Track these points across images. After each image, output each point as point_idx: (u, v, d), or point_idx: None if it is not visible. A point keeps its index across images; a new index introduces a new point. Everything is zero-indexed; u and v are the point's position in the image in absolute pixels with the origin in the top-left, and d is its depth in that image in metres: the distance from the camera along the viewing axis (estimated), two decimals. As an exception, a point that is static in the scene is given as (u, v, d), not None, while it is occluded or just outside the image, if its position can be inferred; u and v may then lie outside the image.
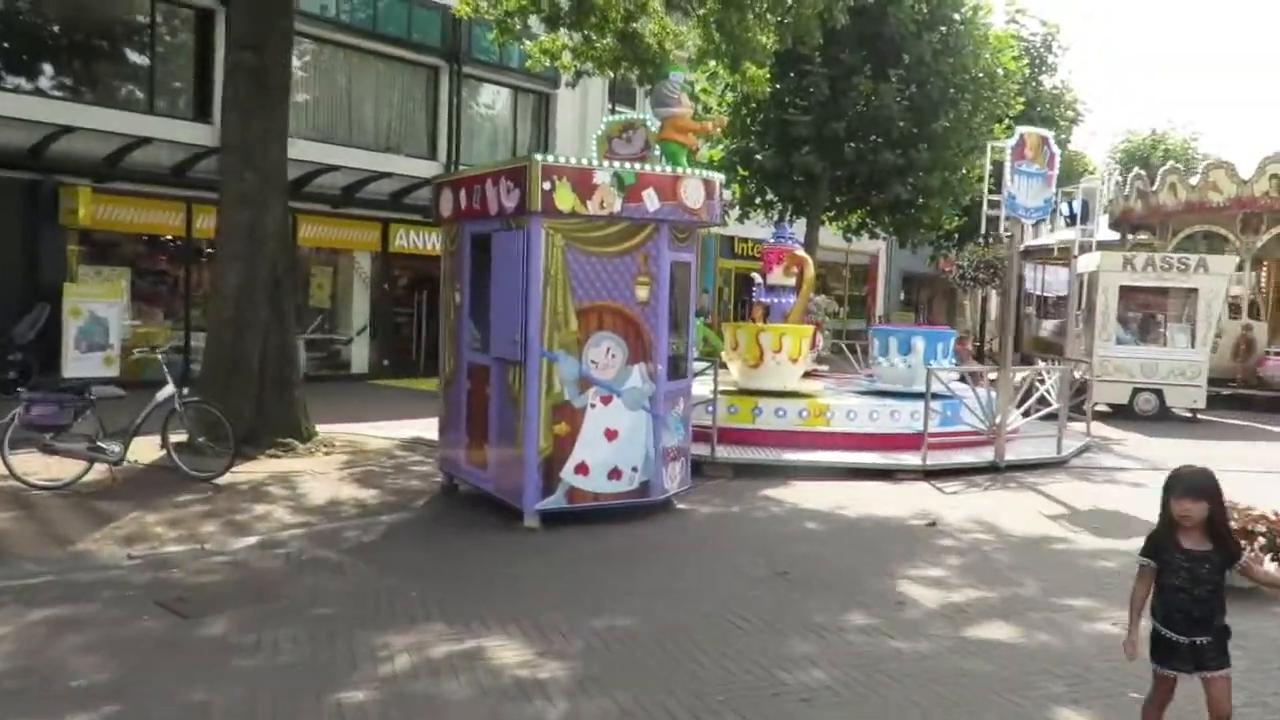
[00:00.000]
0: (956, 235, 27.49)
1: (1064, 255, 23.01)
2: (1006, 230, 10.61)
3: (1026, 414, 11.56)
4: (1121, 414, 15.96)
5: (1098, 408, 16.17)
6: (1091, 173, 22.83)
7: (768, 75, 15.52)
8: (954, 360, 12.60)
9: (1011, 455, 10.83)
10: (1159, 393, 16.07)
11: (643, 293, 7.84)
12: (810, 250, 19.04)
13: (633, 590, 6.01)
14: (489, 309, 8.07)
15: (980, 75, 17.37)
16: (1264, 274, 21.19)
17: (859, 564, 6.70)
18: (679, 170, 8.00)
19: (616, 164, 7.74)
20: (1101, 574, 6.57)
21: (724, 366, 12.21)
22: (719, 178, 8.50)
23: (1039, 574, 6.54)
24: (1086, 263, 16.59)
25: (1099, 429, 14.42)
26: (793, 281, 13.53)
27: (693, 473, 9.28)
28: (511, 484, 7.76)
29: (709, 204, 8.11)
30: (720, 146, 18.90)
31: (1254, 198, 18.51)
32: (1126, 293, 16.42)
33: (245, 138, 10.04)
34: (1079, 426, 13.47)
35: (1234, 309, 19.78)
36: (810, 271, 13.23)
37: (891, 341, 12.32)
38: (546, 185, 7.39)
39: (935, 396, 10.87)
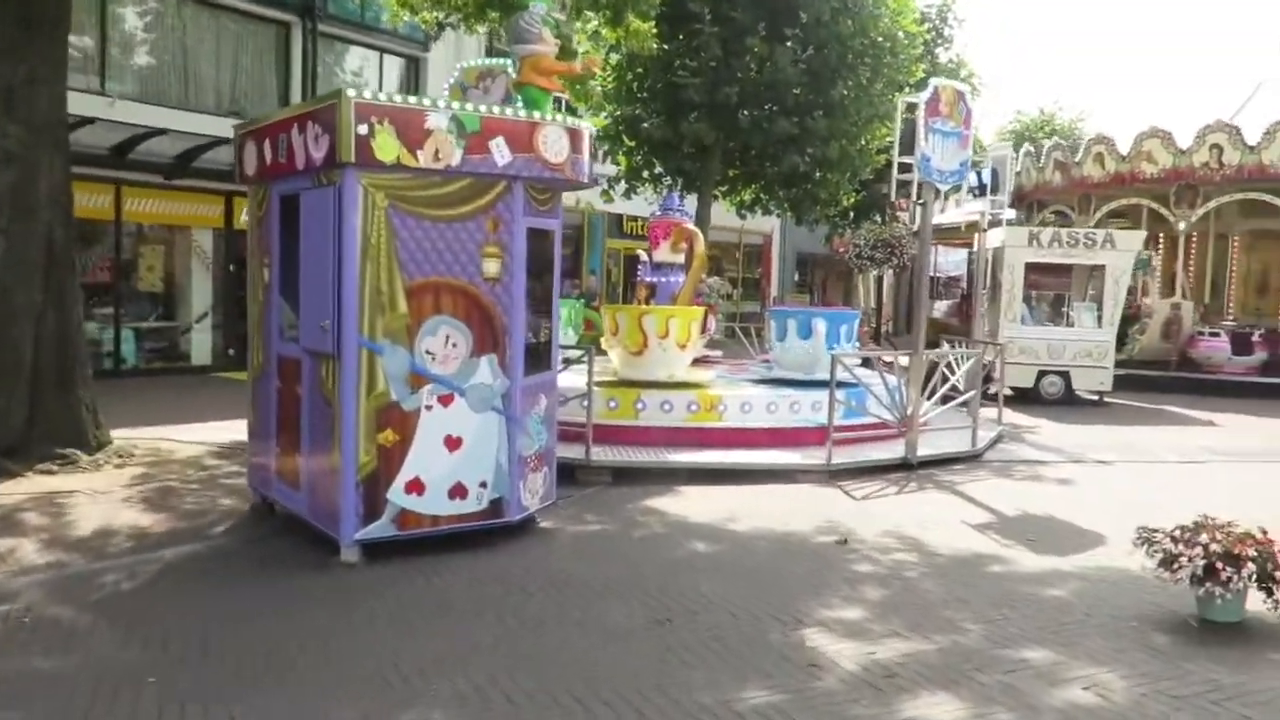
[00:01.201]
0: (852, 214, 26.66)
1: (965, 234, 22.30)
2: (919, 198, 9.40)
3: (945, 400, 10.43)
4: (1026, 398, 15.10)
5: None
6: (982, 149, 22.09)
7: (653, 32, 14.10)
8: (855, 344, 11.42)
9: (924, 449, 9.70)
10: (1065, 375, 15.28)
11: (492, 267, 6.33)
12: (702, 227, 17.73)
13: (469, 656, 4.52)
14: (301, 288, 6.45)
15: (880, 40, 16.29)
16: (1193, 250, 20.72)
17: (757, 603, 5.34)
18: (536, 116, 6.49)
19: (456, 106, 6.19)
20: (1051, 609, 5.34)
21: (604, 354, 10.80)
22: (589, 127, 7.02)
23: (978, 610, 5.28)
24: (991, 239, 15.68)
25: (1007, 415, 13.48)
26: (681, 258, 12.18)
27: (565, 479, 7.88)
28: (326, 507, 6.17)
29: (575, 159, 6.63)
30: (604, 114, 17.41)
31: (1192, 168, 17.87)
32: (1033, 270, 15.57)
33: (2, 81, 8.12)
34: (988, 413, 12.47)
35: (1170, 288, 19.29)
36: (700, 247, 11.87)
37: (790, 324, 11.05)
38: (363, 129, 5.79)
39: (840, 385, 9.66)
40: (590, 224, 24.90)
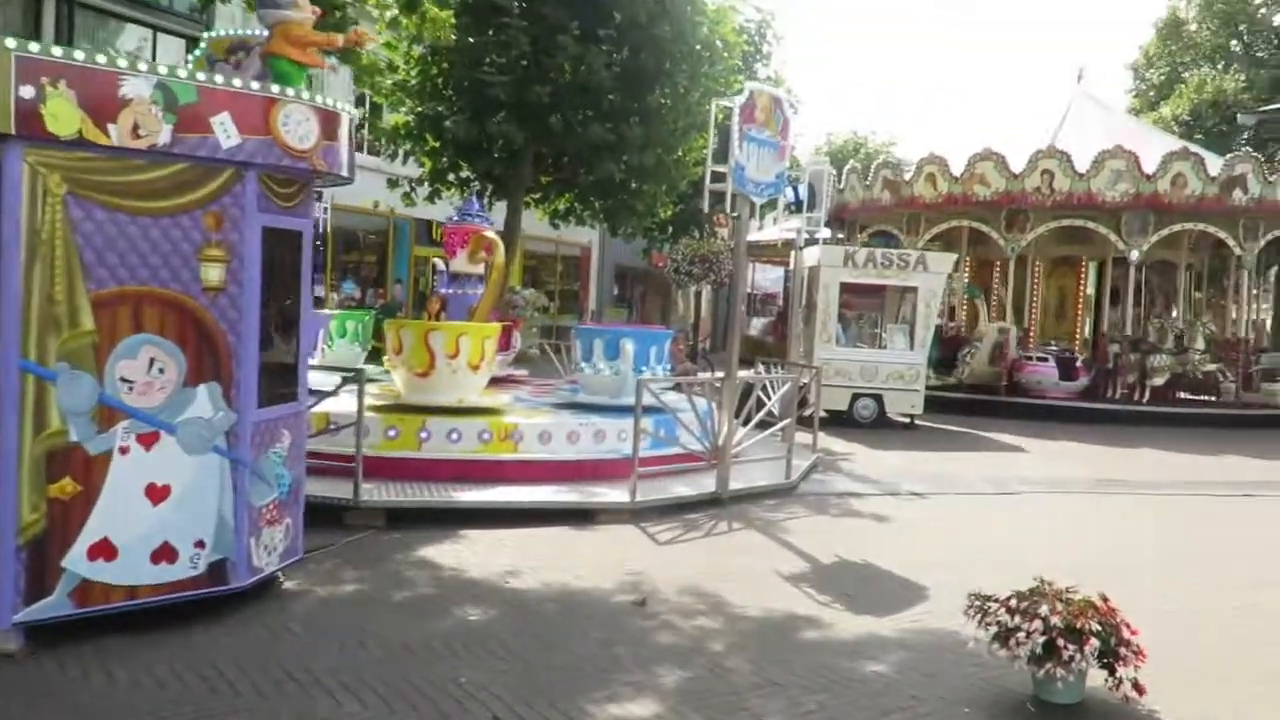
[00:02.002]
0: (671, 228, 26.16)
1: (782, 252, 22.11)
2: (734, 211, 8.67)
3: (762, 426, 9.73)
4: (840, 420, 14.79)
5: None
6: (798, 166, 21.96)
7: (453, 23, 12.99)
8: (668, 365, 10.63)
9: (736, 482, 8.96)
10: (878, 398, 15.06)
11: (214, 274, 5.10)
12: (512, 236, 16.68)
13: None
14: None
15: (698, 48, 15.70)
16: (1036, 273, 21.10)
17: (526, 699, 4.33)
18: (275, 90, 5.29)
19: (164, 70, 4.93)
20: (875, 692, 4.58)
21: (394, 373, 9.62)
22: (350, 111, 5.85)
23: (792, 698, 4.45)
24: (807, 257, 15.32)
25: (821, 439, 13.06)
26: (480, 269, 11.09)
27: (330, 523, 6.76)
28: (-21, 579, 4.76)
29: (327, 146, 5.47)
30: (404, 110, 16.09)
31: (1024, 193, 18.03)
32: (848, 291, 15.30)
33: None
34: (804, 438, 11.96)
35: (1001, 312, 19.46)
36: (500, 257, 10.80)
37: (597, 344, 10.14)
38: (27, 92, 4.46)
39: (647, 411, 8.82)
40: (396, 229, 23.40)
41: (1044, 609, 4.28)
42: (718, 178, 8.59)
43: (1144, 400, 17.90)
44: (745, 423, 9.62)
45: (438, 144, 15.83)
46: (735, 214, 8.68)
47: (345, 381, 7.66)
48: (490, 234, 11.04)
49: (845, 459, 11.91)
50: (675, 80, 15.39)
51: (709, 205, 8.55)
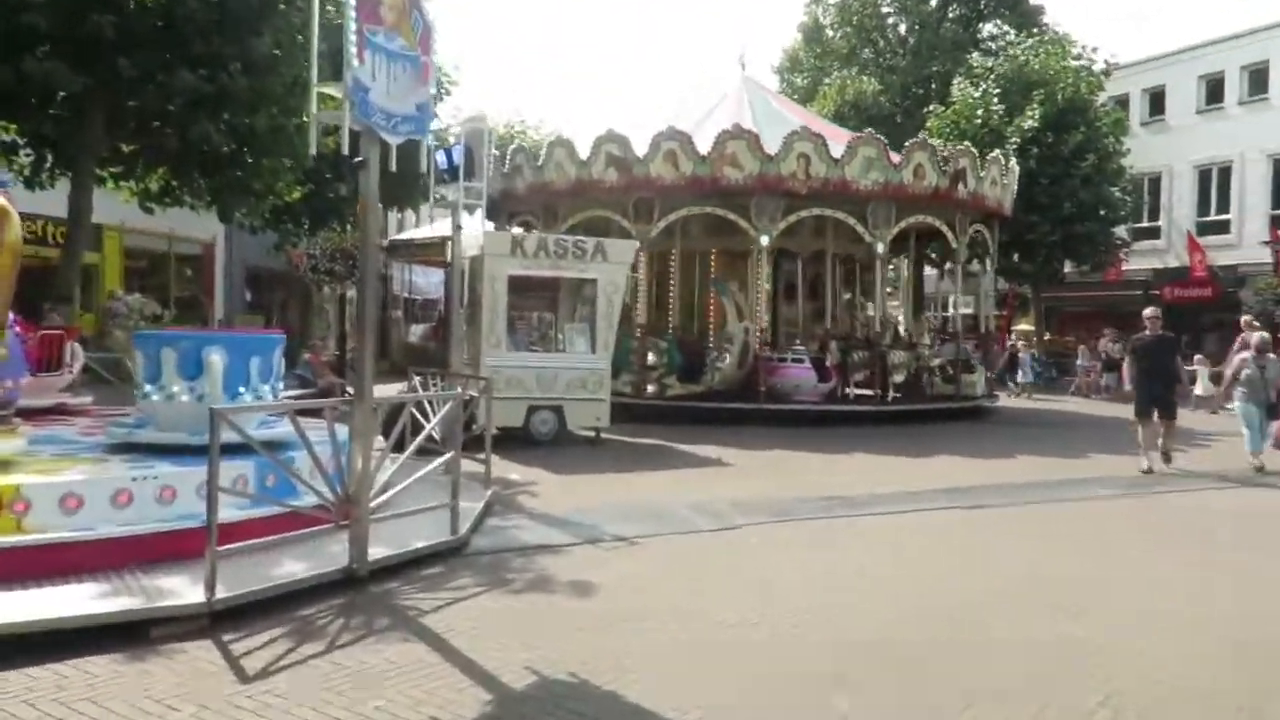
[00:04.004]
0: (307, 220, 22.52)
1: (444, 251, 19.35)
2: (354, 155, 5.91)
3: (422, 454, 7.00)
4: (514, 439, 12.37)
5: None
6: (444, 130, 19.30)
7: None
8: (279, 384, 7.60)
9: (381, 547, 6.23)
10: (558, 410, 12.78)
11: None
12: (80, 221, 12.71)
13: None
14: None
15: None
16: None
17: None
18: None
19: None
20: None
21: None
22: None
23: None
24: (467, 245, 12.74)
25: (496, 465, 10.56)
26: (-13, 252, 7.44)
27: None
28: None
29: None
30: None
31: (649, 178, 16.26)
32: (518, 285, 12.90)
33: None
34: (474, 467, 9.39)
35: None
36: (15, 232, 7.25)
37: (167, 356, 6.93)
38: None
39: (238, 454, 5.89)
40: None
41: None
42: (328, 103, 5.83)
43: (888, 399, 17.13)
44: (397, 451, 6.92)
45: (-47, 91, 11.56)
46: (357, 160, 5.92)
47: None
48: (-2, 200, 7.42)
49: (527, 491, 9.46)
50: (291, 21, 12.22)
51: (314, 144, 5.73)
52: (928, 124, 28.41)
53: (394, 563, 6.27)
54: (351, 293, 29.37)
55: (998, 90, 27.63)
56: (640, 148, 16.34)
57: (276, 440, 7.00)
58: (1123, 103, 32.95)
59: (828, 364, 17.02)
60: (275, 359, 7.44)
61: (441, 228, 20.46)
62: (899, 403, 17.35)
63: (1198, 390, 21.91)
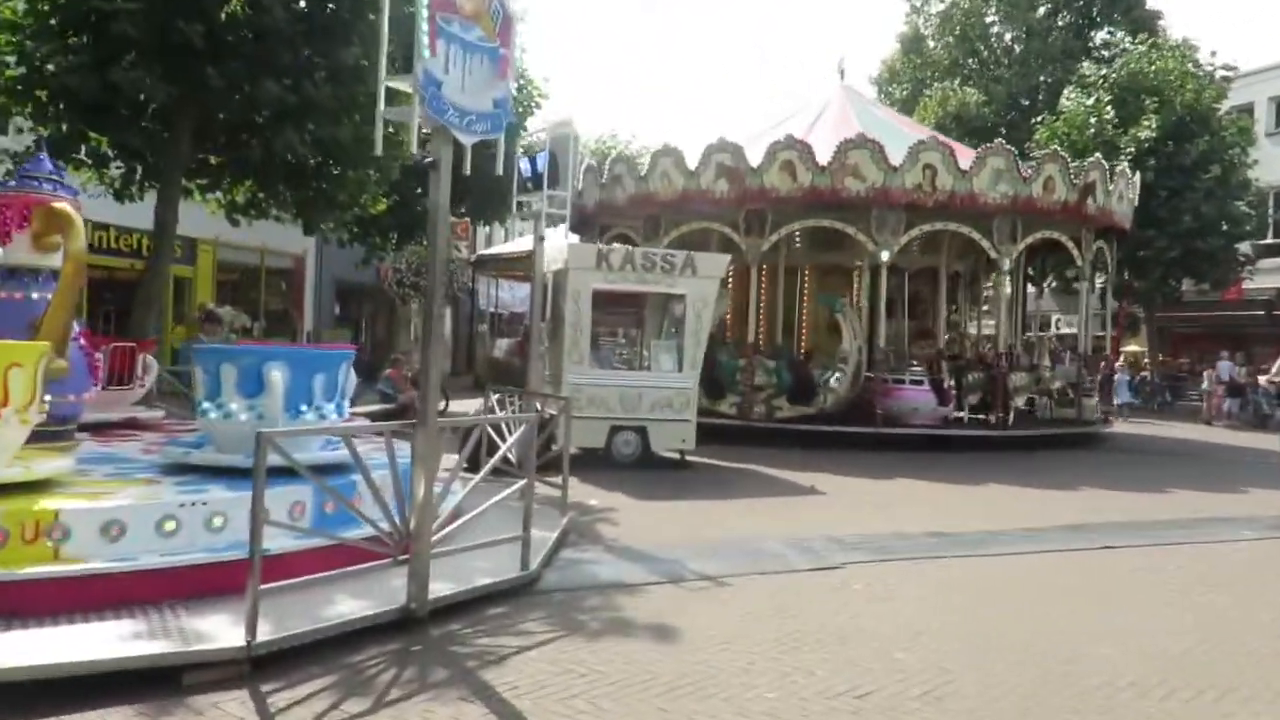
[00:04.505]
0: (395, 233, 22.42)
1: (528, 265, 18.99)
2: (426, 156, 5.42)
3: (497, 475, 6.47)
4: (595, 461, 11.82)
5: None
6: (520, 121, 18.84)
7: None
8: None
9: (444, 583, 5.70)
10: (642, 431, 12.17)
11: None
12: (165, 234, 12.60)
13: None
14: None
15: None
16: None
17: None
18: None
19: None
20: None
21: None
22: None
23: None
24: (551, 258, 12.26)
25: (575, 489, 10.01)
26: (55, 260, 7.20)
27: None
28: None
29: None
30: (9, 55, 11.65)
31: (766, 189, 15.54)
32: (603, 300, 12.36)
33: None
34: (549, 492, 8.85)
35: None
36: (79, 241, 6.97)
37: (227, 371, 6.51)
38: None
39: (290, 478, 5.44)
40: None
41: None
42: (397, 99, 5.34)
43: (1009, 424, 16.18)
44: (472, 472, 6.41)
45: (46, 98, 11.52)
46: (428, 159, 5.41)
47: None
48: (65, 206, 7.16)
49: (606, 518, 8.86)
50: (379, 31, 11.91)
51: (379, 143, 5.26)
52: (1035, 135, 27.11)
53: (457, 601, 5.72)
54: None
55: (1110, 98, 26.20)
56: (755, 157, 15.62)
57: (339, 464, 6.55)
58: (1247, 111, 31.02)
59: (945, 386, 16.14)
60: (342, 376, 6.98)
61: (529, 241, 20.11)
62: (1014, 427, 16.33)
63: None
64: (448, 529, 6.10)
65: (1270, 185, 29.34)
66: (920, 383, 16.02)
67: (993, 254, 16.31)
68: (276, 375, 6.43)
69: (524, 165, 9.98)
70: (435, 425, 5.60)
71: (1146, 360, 31.96)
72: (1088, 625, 5.98)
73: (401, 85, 5.28)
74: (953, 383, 16.42)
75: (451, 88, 5.32)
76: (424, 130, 5.47)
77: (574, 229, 19.38)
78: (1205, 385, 23.92)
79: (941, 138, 16.69)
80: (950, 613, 6.13)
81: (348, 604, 5.38)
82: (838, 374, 15.92)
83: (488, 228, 32.37)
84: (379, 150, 5.41)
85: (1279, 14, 65.23)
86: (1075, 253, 17.32)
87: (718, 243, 16.64)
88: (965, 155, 16.12)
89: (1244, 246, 27.81)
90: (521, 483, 6.62)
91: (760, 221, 15.91)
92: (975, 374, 16.46)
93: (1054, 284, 28.88)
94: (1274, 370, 22.64)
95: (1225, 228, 25.88)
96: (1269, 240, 30.57)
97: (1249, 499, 11.69)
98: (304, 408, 6.64)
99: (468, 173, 5.87)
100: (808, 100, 19.75)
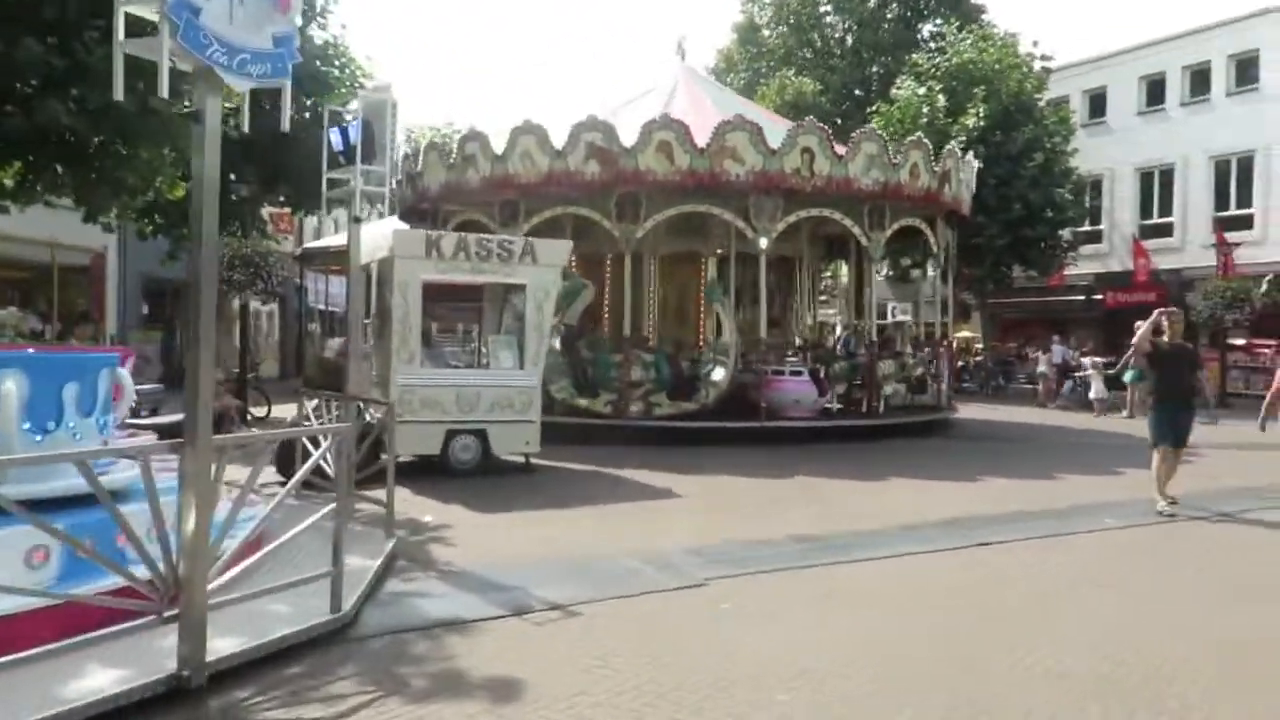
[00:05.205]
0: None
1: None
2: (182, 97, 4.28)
3: (309, 488, 5.33)
4: (431, 468, 10.73)
5: (400, 459, 10.73)
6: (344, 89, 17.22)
7: None
8: (107, 418, 5.86)
9: (233, 639, 4.58)
10: (482, 434, 11.12)
11: None
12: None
13: None
14: None
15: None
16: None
17: None
18: None
19: None
20: None
21: None
22: None
23: None
24: (373, 245, 11.05)
25: (408, 503, 8.91)
26: None
27: None
28: None
29: None
30: None
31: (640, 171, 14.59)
32: (435, 293, 11.23)
33: None
34: (375, 510, 7.75)
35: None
36: None
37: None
38: None
39: (37, 512, 4.23)
40: None
41: None
42: (139, 31, 4.20)
43: (880, 412, 15.84)
44: (258, 517, 5.25)
45: None
46: (186, 104, 4.27)
47: None
48: None
49: (440, 537, 7.80)
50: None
51: (121, 65, 4.11)
52: (870, 123, 27.33)
53: (245, 660, 4.60)
54: (255, 304, 27.32)
55: (940, 87, 26.64)
56: (628, 137, 14.56)
57: (120, 490, 5.30)
58: (1063, 105, 32.32)
59: (821, 376, 15.76)
60: (103, 385, 5.70)
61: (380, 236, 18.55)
62: (877, 416, 16.13)
63: (1091, 394, 21.43)
64: (238, 567, 4.96)
65: (1085, 175, 30.61)
66: (800, 373, 15.56)
67: (863, 240, 16.02)
68: (9, 386, 5.12)
69: (334, 137, 8.79)
70: (208, 443, 4.45)
71: (979, 345, 32.91)
72: (992, 640, 5.36)
73: (143, 10, 4.13)
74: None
75: (214, 17, 4.21)
76: (182, 70, 4.33)
77: (407, 215, 18.00)
78: (1041, 369, 24.54)
79: (816, 121, 16.12)
80: (833, 637, 5.40)
81: (99, 676, 4.20)
82: (719, 367, 15.21)
83: (315, 219, 30.37)
84: (118, 94, 4.30)
85: (1090, 9, 69.25)
86: (931, 239, 17.23)
87: (574, 229, 15.65)
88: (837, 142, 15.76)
89: (1065, 234, 28.87)
90: (328, 508, 5.50)
91: (634, 206, 14.93)
92: (840, 363, 16.13)
93: (890, 272, 29.32)
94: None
95: (1050, 215, 26.71)
96: (1086, 228, 31.91)
97: (1103, 483, 11.61)
98: (51, 425, 5.36)
99: (246, 129, 4.75)
100: (655, 80, 18.83)
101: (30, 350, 6.62)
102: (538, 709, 4.26)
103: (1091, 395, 21.49)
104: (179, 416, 11.53)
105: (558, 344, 15.10)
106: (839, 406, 16.60)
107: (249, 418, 16.71)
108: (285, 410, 15.06)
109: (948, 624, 5.65)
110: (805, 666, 4.84)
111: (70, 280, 24.28)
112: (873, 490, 10.87)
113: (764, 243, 15.02)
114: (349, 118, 9.18)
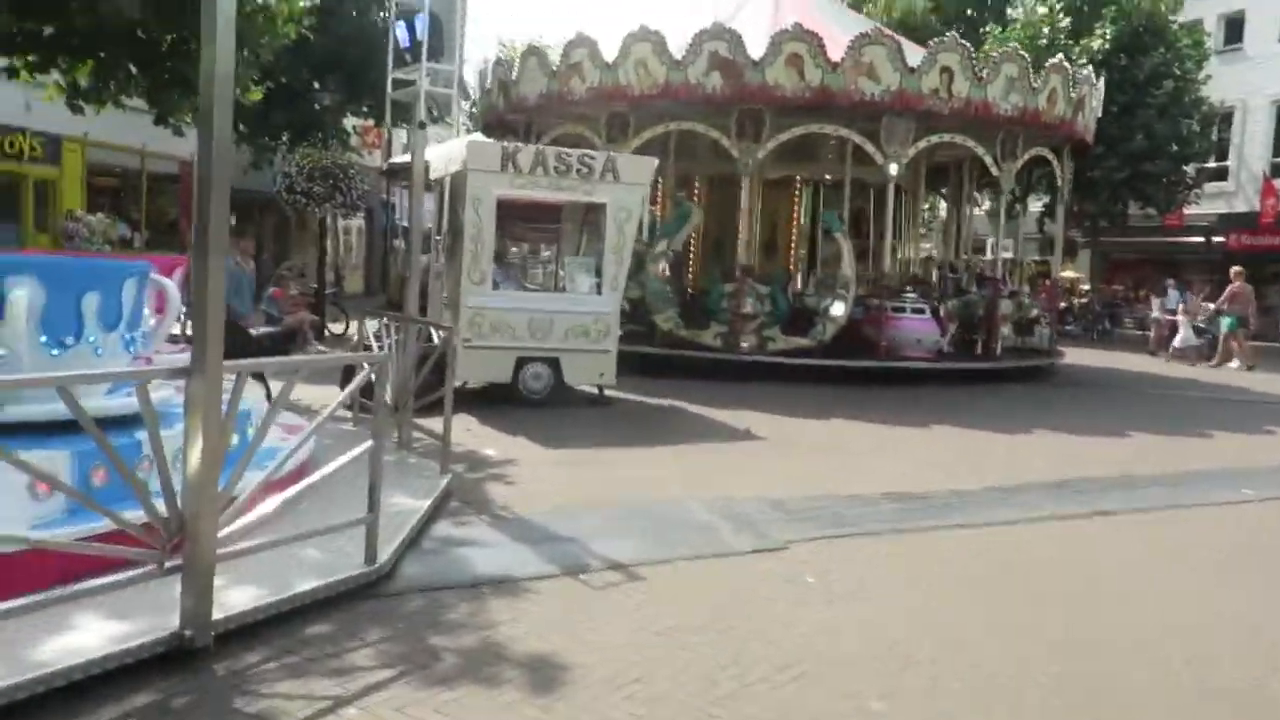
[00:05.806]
0: (287, 133, 20.00)
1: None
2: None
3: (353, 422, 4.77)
4: (498, 395, 10.19)
5: (468, 386, 10.23)
6: None
7: None
8: (137, 334, 5.34)
9: (250, 591, 4.06)
10: (554, 363, 10.50)
11: None
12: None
13: None
14: None
15: None
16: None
17: None
18: None
19: None
20: None
21: None
22: None
23: None
24: (444, 158, 10.38)
25: (469, 433, 8.40)
26: None
27: None
28: None
29: None
30: None
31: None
32: (510, 210, 10.54)
33: None
34: (426, 440, 7.22)
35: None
36: None
37: (-51, 291, 4.70)
38: None
39: (43, 436, 3.72)
40: None
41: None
42: None
43: (998, 355, 14.99)
44: (291, 451, 4.70)
45: None
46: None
47: None
48: None
49: (500, 475, 7.21)
50: None
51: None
52: (984, 45, 25.54)
53: (259, 618, 4.07)
54: (341, 219, 27.03)
55: (1062, 6, 24.66)
56: (756, 49, 13.35)
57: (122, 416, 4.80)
58: (1196, 28, 29.79)
59: (941, 314, 14.88)
60: (127, 297, 5.16)
61: (452, 147, 17.68)
62: (994, 359, 15.13)
63: (1176, 342, 20.06)
64: (265, 506, 4.41)
65: (1219, 105, 28.29)
66: (921, 311, 14.56)
67: (994, 170, 14.82)
68: (20, 295, 4.61)
69: (400, 32, 8.06)
70: (218, 369, 3.86)
71: (1084, 287, 31.09)
72: (1126, 643, 4.56)
73: None
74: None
75: None
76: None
77: (493, 129, 16.95)
78: (1155, 314, 22.84)
79: (958, 38, 14.77)
80: (937, 622, 4.65)
81: (92, 633, 3.70)
82: (838, 301, 14.26)
83: (405, 134, 29.89)
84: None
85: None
86: (1058, 171, 15.91)
87: (703, 147, 14.69)
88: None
89: (1189, 169, 26.81)
90: (366, 445, 4.89)
91: (756, 125, 13.74)
92: (954, 301, 15.08)
93: (987, 204, 27.67)
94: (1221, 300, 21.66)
95: (1175, 149, 24.75)
96: (1210, 164, 29.61)
97: (1237, 444, 10.52)
98: (70, 339, 4.85)
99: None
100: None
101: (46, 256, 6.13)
102: (586, 700, 3.63)
103: (1177, 342, 20.20)
104: (263, 330, 11.24)
105: (665, 270, 14.31)
106: (950, 349, 15.55)
107: (326, 334, 16.44)
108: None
109: (1069, 618, 4.85)
110: (905, 659, 4.11)
111: (160, 188, 24.34)
112: (978, 440, 9.98)
113: (894, 169, 13.82)
114: (417, 10, 8.41)
